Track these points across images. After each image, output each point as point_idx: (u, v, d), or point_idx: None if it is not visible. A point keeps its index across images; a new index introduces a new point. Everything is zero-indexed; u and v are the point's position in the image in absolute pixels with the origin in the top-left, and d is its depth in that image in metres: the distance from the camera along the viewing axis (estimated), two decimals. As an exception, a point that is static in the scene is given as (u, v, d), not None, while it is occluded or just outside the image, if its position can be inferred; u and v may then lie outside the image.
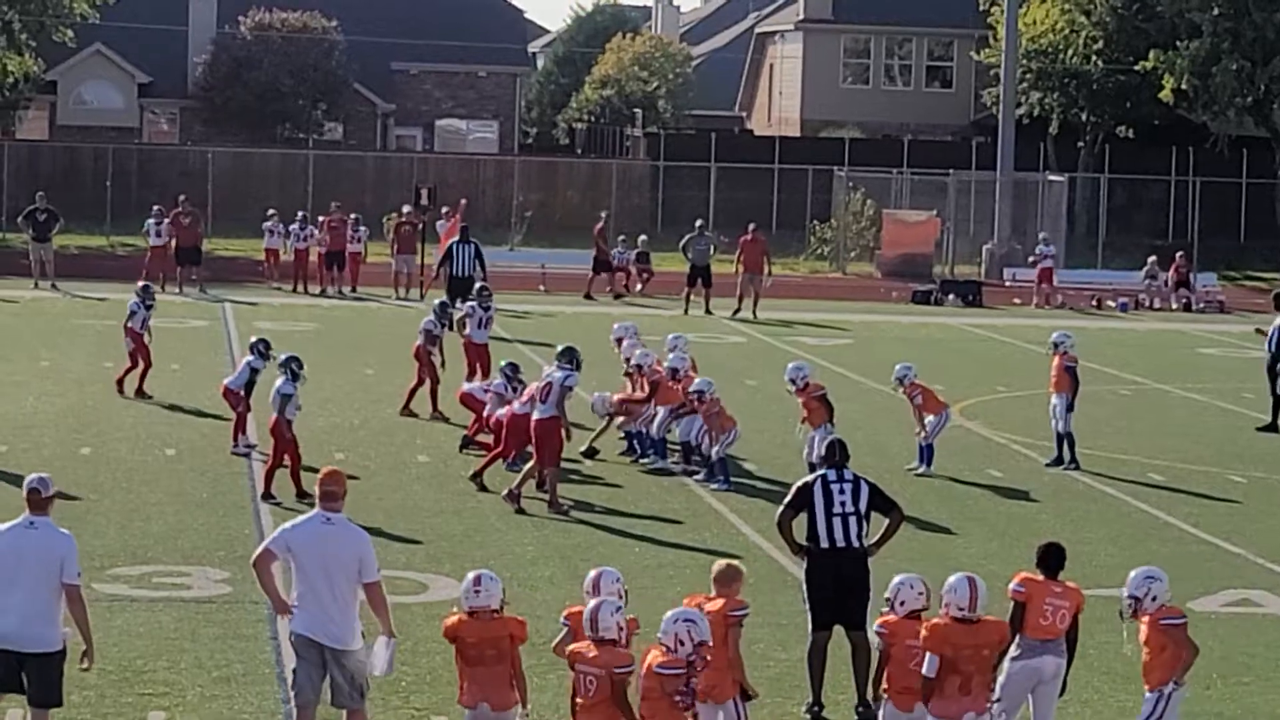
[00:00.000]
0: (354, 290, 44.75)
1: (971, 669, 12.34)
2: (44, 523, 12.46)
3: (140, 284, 30.40)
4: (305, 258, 45.10)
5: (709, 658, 11.69)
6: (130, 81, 71.00)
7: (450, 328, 28.31)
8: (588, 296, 45.91)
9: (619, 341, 26.42)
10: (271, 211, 46.82)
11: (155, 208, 45.57)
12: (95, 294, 42.24)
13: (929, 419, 24.63)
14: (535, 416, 21.69)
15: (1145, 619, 12.81)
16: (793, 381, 23.26)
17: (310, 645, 12.65)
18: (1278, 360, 29.60)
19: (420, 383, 27.48)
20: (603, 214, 49.86)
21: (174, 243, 43.93)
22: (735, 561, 13.46)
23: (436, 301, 28.78)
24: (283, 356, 22.14)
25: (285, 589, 13.02)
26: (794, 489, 15.19)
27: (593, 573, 12.74)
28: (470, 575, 12.52)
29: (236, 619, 16.73)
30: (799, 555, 15.12)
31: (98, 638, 15.91)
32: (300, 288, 44.55)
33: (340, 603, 12.60)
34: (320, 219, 45.46)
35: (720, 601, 12.79)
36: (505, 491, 21.73)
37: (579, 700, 11.58)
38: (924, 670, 12.37)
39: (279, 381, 21.73)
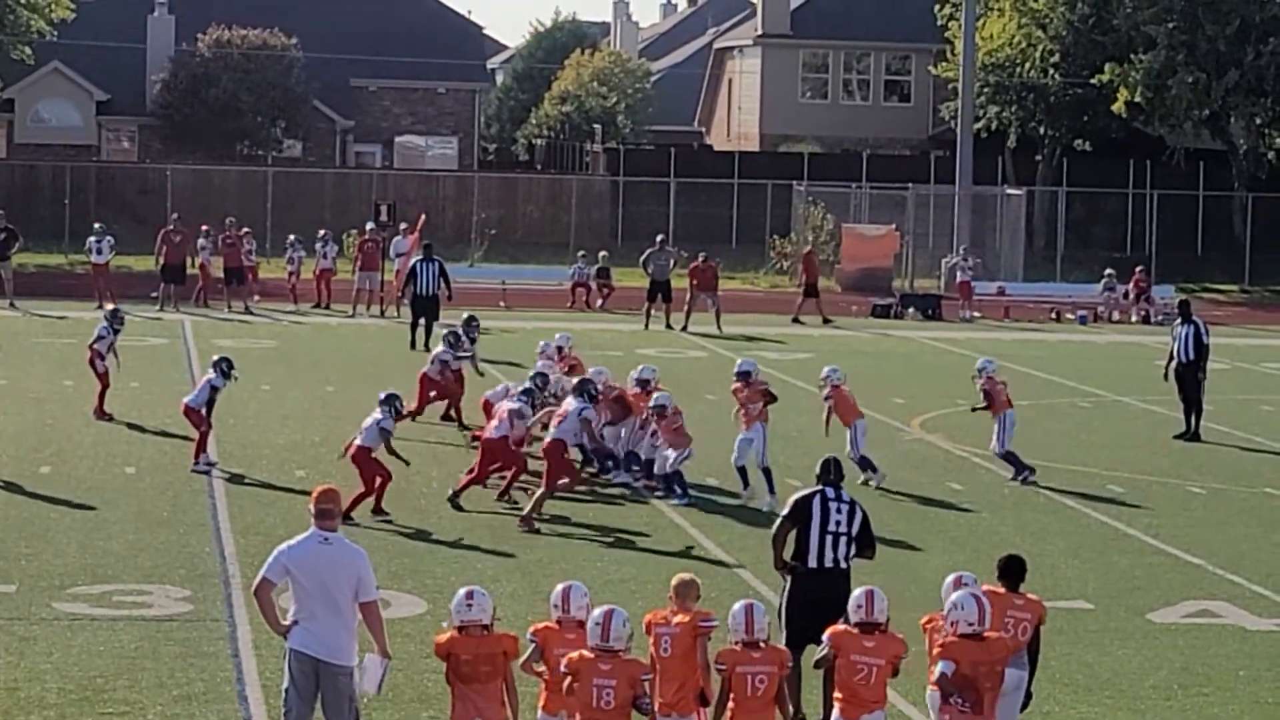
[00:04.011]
0: (326, 307, 45.09)
1: (986, 685, 12.21)
2: None
3: (110, 307, 30.32)
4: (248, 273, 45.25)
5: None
6: (88, 99, 70.82)
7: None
8: (796, 320, 45.52)
9: (558, 350, 26.97)
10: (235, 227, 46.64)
11: (96, 225, 45.55)
12: (54, 312, 42.11)
13: (848, 430, 24.64)
14: (547, 439, 22.38)
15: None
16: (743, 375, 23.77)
17: (306, 663, 12.57)
18: (1193, 368, 29.87)
19: (420, 410, 27.39)
20: (809, 236, 48.68)
21: (161, 260, 44.12)
22: (693, 576, 13.48)
23: (446, 332, 28.78)
24: (384, 394, 22.12)
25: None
26: (792, 502, 15.13)
27: (560, 587, 12.77)
28: (461, 590, 12.56)
29: (197, 637, 16.67)
30: (782, 571, 15.05)
31: (58, 657, 15.93)
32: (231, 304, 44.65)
33: (338, 621, 12.56)
34: (221, 235, 45.32)
35: (688, 615, 12.83)
36: (519, 521, 21.66)
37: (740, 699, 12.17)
38: (937, 675, 12.23)
39: (380, 416, 21.69)
